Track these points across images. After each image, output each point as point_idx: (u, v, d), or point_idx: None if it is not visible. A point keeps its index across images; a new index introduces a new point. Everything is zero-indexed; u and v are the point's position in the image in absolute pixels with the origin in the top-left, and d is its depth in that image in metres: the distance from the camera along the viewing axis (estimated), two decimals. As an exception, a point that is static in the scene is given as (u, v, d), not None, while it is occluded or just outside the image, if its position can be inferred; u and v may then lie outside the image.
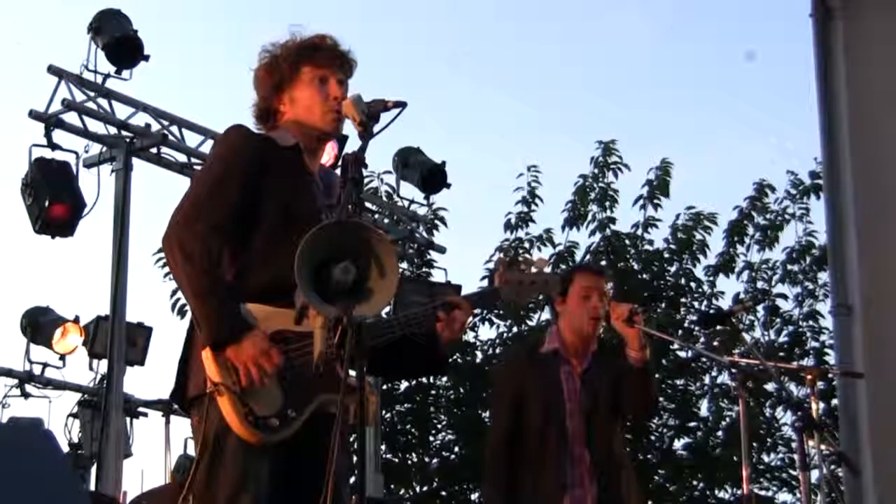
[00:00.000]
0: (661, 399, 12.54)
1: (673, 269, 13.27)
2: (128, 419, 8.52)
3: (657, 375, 11.71)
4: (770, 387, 12.40)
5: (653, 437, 12.90)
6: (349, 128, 3.14)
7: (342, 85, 3.31)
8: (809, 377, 5.36)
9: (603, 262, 12.79)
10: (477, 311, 12.03)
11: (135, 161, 7.81)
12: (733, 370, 4.62)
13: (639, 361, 4.57)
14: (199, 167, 7.74)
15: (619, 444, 4.79)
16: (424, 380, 12.67)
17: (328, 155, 7.09)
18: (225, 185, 3.18)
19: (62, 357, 9.39)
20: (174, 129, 8.12)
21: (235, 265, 3.16)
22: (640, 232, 13.21)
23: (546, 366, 4.72)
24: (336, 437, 2.72)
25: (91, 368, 9.42)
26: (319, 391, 3.05)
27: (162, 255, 10.73)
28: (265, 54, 3.38)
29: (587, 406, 4.65)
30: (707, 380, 13.22)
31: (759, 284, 13.42)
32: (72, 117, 7.64)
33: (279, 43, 3.37)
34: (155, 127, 7.96)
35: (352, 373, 2.75)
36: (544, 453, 4.58)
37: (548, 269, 3.63)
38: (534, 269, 3.54)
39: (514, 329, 12.96)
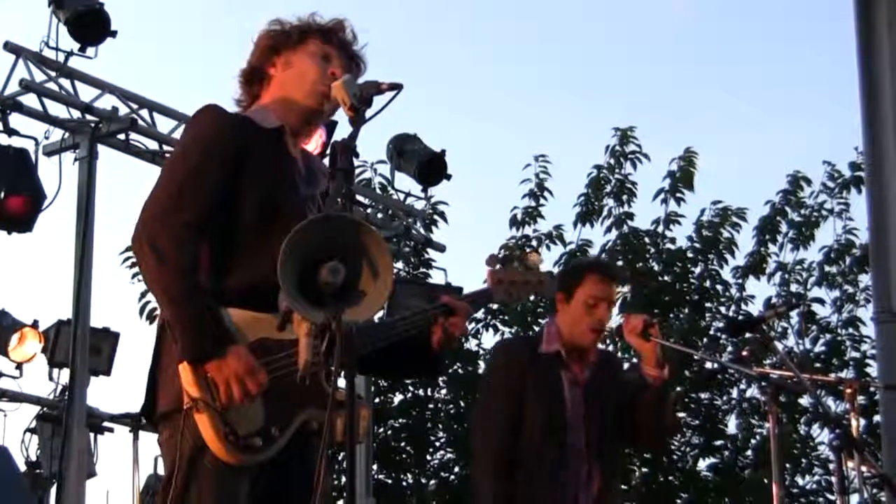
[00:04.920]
0: (683, 415, 12.56)
1: (697, 270, 13.28)
2: (92, 435, 8.52)
3: (678, 388, 11.77)
4: (805, 401, 12.44)
5: (675, 457, 12.91)
6: (339, 113, 3.14)
7: (343, 72, 3.27)
8: (849, 391, 5.38)
9: (619, 263, 12.78)
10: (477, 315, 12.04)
11: (100, 148, 7.79)
12: (764, 383, 4.62)
13: (657, 380, 4.55)
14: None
15: (617, 479, 4.78)
16: (421, 392, 12.67)
17: (315, 143, 7.12)
18: (201, 175, 3.14)
19: (19, 366, 9.37)
20: (144, 112, 8.11)
21: (213, 265, 3.12)
22: (660, 229, 13.22)
23: (547, 369, 4.66)
24: (323, 456, 2.72)
25: (51, 378, 9.41)
26: (305, 405, 3.05)
27: (130, 253, 10.79)
28: (275, 23, 3.40)
29: (594, 420, 4.62)
30: (735, 393, 13.23)
31: (793, 288, 13.44)
32: (31, 99, 7.63)
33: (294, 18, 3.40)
34: (123, 110, 7.95)
35: (340, 383, 2.75)
36: (542, 471, 4.56)
37: (543, 268, 3.72)
38: (527, 268, 3.62)
39: (521, 335, 12.93)
